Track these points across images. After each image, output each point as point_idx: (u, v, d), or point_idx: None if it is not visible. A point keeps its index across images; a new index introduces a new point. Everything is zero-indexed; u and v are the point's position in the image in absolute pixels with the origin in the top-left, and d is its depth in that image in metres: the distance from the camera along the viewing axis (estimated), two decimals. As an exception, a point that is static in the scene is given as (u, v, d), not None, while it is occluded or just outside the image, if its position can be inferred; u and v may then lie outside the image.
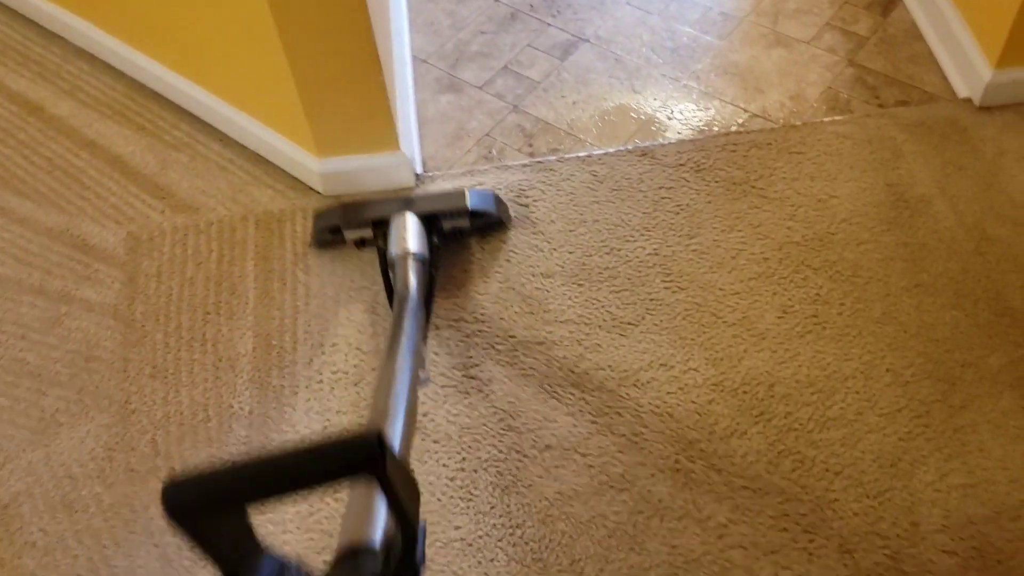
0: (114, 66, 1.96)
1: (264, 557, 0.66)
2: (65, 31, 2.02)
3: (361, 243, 1.64)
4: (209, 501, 0.60)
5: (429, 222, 1.56)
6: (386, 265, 1.51)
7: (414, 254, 1.48)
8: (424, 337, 1.39)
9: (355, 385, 1.47)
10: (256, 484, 0.61)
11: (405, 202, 1.58)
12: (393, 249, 1.49)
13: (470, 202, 1.58)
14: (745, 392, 1.44)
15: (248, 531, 0.65)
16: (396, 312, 1.35)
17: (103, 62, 1.97)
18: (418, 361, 1.21)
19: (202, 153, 1.80)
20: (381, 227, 1.56)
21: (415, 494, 0.68)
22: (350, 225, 1.59)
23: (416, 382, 1.15)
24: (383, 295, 1.57)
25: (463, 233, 1.64)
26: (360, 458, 0.60)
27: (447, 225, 1.59)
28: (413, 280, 1.43)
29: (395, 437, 0.93)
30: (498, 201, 1.65)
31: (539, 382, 1.47)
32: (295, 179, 1.74)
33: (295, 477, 0.61)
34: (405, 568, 0.68)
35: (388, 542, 0.70)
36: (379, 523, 0.74)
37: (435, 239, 1.56)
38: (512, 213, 1.68)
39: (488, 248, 1.64)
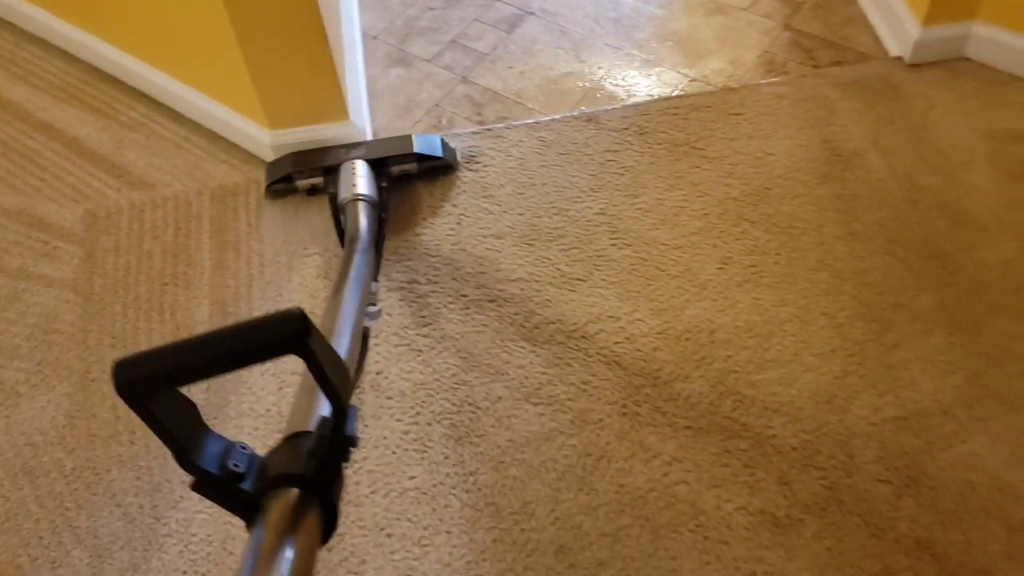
0: (67, 50, 1.98)
1: (211, 437, 0.71)
2: (15, 17, 2.04)
3: (313, 191, 1.70)
4: (154, 377, 0.64)
5: (378, 167, 1.63)
6: (337, 210, 1.56)
7: (363, 197, 1.54)
8: (375, 275, 1.45)
9: (311, 347, 1.52)
10: (194, 362, 0.65)
11: (354, 148, 1.65)
12: (343, 193, 1.55)
13: (416, 146, 1.66)
14: (688, 339, 1.49)
15: (195, 414, 0.70)
16: (346, 251, 1.38)
17: (56, 47, 1.99)
18: (367, 296, 1.25)
19: (157, 132, 1.83)
20: (331, 174, 1.62)
21: (344, 373, 0.72)
22: (301, 173, 1.66)
23: (363, 314, 1.19)
24: (335, 261, 1.61)
25: (411, 176, 1.71)
26: (284, 333, 0.64)
27: (395, 169, 1.67)
28: (363, 221, 1.48)
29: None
30: (444, 145, 1.71)
31: (491, 338, 1.51)
32: (249, 153, 1.78)
33: (230, 353, 0.65)
34: (336, 441, 0.72)
35: (323, 424, 0.74)
36: (317, 412, 0.79)
37: (384, 183, 1.62)
38: (460, 158, 1.75)
39: (439, 201, 1.68)
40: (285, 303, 1.57)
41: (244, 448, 0.72)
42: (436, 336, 1.52)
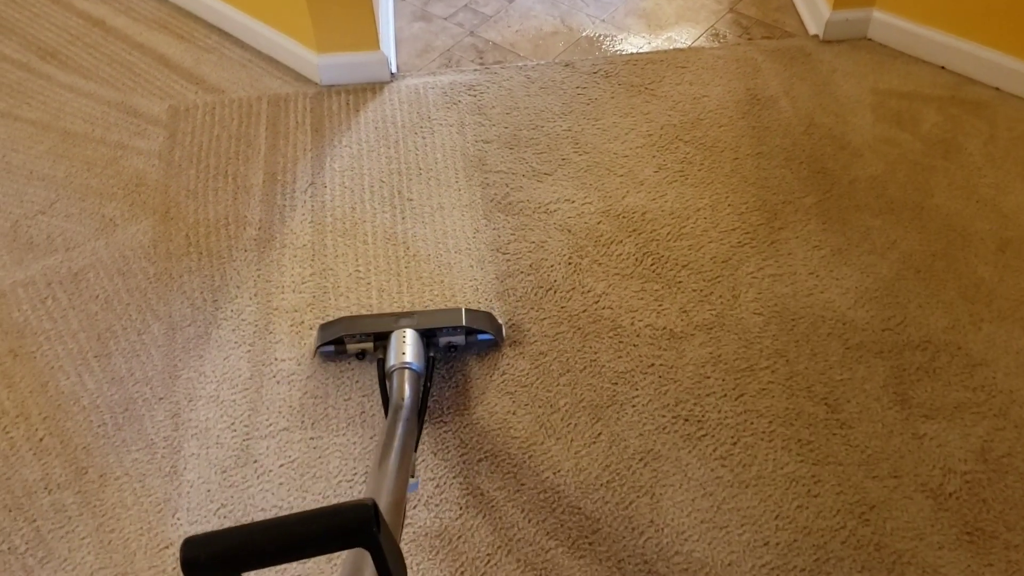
0: (160, -6, 2.50)
1: None
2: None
3: (361, 355, 1.72)
4: (220, 559, 0.65)
5: (426, 337, 1.67)
6: (384, 376, 1.60)
7: (410, 366, 1.56)
8: (416, 445, 1.43)
9: (338, 207, 1.99)
10: (262, 547, 0.66)
11: (405, 317, 1.69)
12: (391, 361, 1.57)
13: (465, 319, 1.69)
14: (624, 217, 1.96)
15: None
16: (390, 420, 1.40)
17: (151, -9, 2.52)
18: (407, 468, 1.26)
19: (227, 55, 2.33)
20: (381, 340, 1.68)
21: (403, 567, 0.73)
22: (353, 338, 1.69)
23: (405, 488, 1.19)
24: (365, 146, 2.09)
25: (458, 348, 1.73)
26: (356, 527, 0.65)
27: (443, 340, 1.70)
28: (408, 391, 1.50)
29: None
30: (491, 319, 1.75)
31: (476, 206, 1.98)
32: (299, 73, 2.28)
33: (296, 541, 0.66)
34: None
35: None
36: None
37: (431, 353, 1.68)
38: (502, 326, 1.76)
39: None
40: (322, 178, 2.04)
41: None
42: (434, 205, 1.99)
